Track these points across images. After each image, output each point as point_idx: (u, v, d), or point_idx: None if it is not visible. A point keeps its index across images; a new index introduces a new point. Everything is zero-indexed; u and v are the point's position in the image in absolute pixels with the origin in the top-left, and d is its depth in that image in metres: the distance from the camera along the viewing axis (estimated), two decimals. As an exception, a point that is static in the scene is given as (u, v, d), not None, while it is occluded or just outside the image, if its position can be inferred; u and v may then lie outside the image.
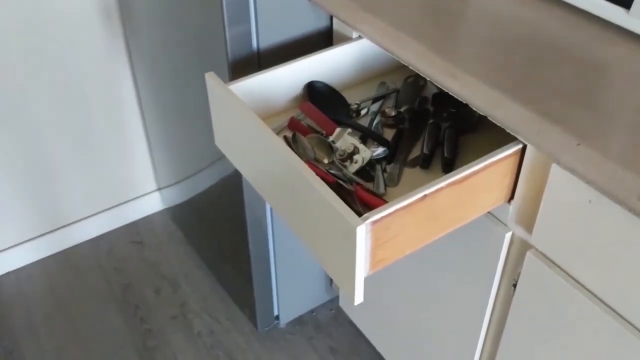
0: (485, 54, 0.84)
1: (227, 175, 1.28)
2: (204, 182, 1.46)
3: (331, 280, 1.55)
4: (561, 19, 0.91)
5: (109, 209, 1.83)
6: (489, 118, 0.77)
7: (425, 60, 0.85)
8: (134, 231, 1.85)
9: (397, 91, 1.08)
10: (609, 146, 0.68)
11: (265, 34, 1.06)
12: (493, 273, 0.93)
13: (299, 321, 1.57)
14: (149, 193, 1.88)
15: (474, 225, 0.91)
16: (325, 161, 0.92)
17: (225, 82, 1.02)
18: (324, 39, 1.11)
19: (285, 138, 0.97)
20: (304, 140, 0.94)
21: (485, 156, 0.79)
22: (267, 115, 1.02)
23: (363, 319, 1.43)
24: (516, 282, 0.89)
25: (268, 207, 1.28)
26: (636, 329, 0.73)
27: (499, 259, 0.90)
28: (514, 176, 0.83)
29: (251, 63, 1.07)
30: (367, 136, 0.98)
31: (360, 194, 0.85)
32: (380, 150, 0.93)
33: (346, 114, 1.03)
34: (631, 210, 0.65)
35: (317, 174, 0.87)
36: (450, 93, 0.82)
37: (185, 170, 1.57)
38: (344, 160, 0.92)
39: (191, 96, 1.30)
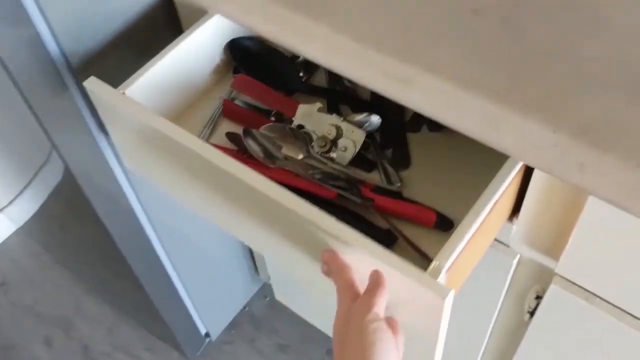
0: (445, 24, 0.52)
1: (79, 160, 0.89)
2: (51, 180, 1.08)
3: (256, 267, 1.28)
4: None
5: (-55, 253, 1.40)
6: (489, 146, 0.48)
7: (347, 57, 0.52)
8: (-10, 269, 1.45)
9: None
10: None
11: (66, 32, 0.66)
12: (496, 299, 0.69)
13: (233, 325, 1.31)
14: (-11, 218, 1.46)
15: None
16: (300, 157, 0.63)
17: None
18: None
19: (231, 137, 0.66)
20: (263, 136, 0.64)
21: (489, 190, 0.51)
22: (187, 105, 0.71)
23: (315, 314, 1.19)
24: (533, 309, 0.66)
25: (142, 198, 0.90)
26: None
27: (504, 286, 0.67)
28: (517, 191, 0.57)
29: (57, 79, 0.68)
30: (338, 101, 0.70)
31: (379, 205, 0.59)
32: (372, 120, 0.64)
33: (296, 77, 0.72)
34: None
35: (306, 190, 0.59)
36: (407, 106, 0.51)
37: (25, 173, 1.17)
38: (327, 151, 0.63)
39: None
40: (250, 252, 1.24)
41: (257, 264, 1.27)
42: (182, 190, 0.67)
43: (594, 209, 0.50)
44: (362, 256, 0.49)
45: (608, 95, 0.46)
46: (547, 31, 0.51)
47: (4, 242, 1.48)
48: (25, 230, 1.48)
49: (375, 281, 0.48)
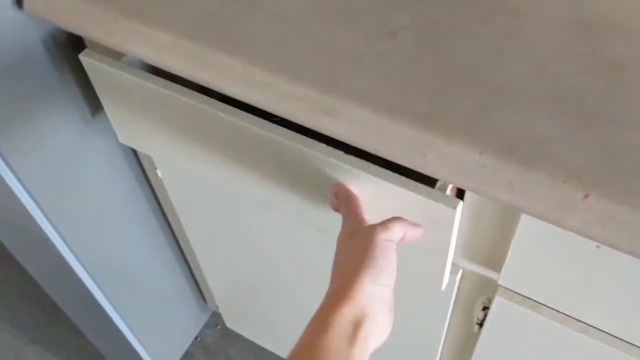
0: (363, 49, 0.51)
1: None
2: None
3: (203, 296, 1.25)
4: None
5: None
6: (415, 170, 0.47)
7: (267, 91, 0.51)
8: None
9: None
10: (631, 187, 0.42)
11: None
12: (445, 313, 0.69)
13: (187, 357, 1.27)
14: None
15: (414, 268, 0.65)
16: None
17: None
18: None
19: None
20: None
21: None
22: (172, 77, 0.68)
23: (267, 338, 1.17)
24: (482, 320, 0.66)
25: (65, 234, 0.84)
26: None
27: (450, 300, 0.66)
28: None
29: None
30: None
31: None
32: None
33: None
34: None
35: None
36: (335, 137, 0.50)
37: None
38: None
39: None
40: (195, 280, 1.21)
41: (203, 292, 1.23)
42: (186, 154, 0.66)
43: (528, 222, 0.50)
44: (373, 182, 0.51)
45: (531, 110, 0.46)
46: (465, 49, 0.51)
47: None
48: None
49: (399, 217, 0.49)
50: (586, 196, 0.42)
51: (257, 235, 0.83)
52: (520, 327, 0.62)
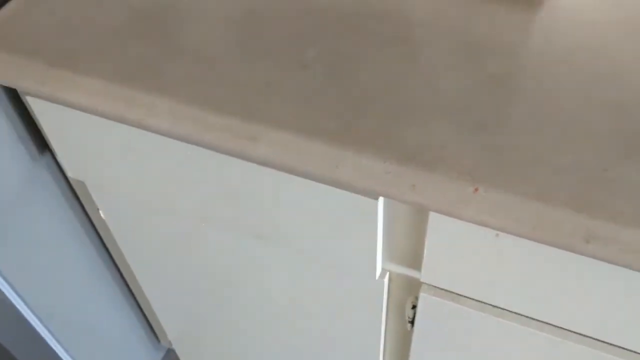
0: (279, 81, 0.57)
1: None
2: None
3: (155, 334, 1.26)
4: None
5: None
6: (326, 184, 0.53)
7: (193, 124, 0.56)
8: None
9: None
10: (512, 179, 0.49)
11: None
12: (379, 317, 0.74)
13: (143, 399, 1.28)
14: None
15: (344, 275, 0.71)
16: None
17: None
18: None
19: None
20: None
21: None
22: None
23: (218, 369, 1.19)
24: (412, 318, 0.72)
25: (10, 278, 0.87)
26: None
27: (382, 303, 0.72)
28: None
29: None
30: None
31: None
32: None
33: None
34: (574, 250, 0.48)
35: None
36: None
37: None
38: None
39: None
40: (147, 320, 1.22)
41: (155, 330, 1.25)
42: (134, 182, 0.70)
43: (436, 219, 0.56)
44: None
45: (428, 122, 0.53)
46: (368, 74, 0.57)
47: None
48: None
49: None
50: (476, 189, 0.49)
51: (205, 266, 0.86)
52: (446, 319, 0.68)
